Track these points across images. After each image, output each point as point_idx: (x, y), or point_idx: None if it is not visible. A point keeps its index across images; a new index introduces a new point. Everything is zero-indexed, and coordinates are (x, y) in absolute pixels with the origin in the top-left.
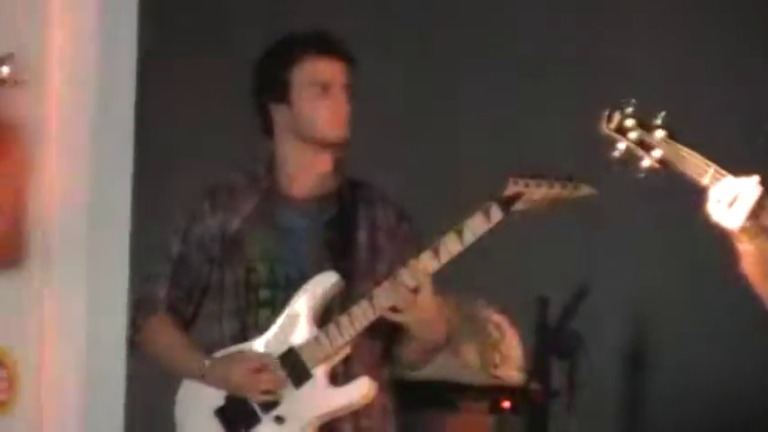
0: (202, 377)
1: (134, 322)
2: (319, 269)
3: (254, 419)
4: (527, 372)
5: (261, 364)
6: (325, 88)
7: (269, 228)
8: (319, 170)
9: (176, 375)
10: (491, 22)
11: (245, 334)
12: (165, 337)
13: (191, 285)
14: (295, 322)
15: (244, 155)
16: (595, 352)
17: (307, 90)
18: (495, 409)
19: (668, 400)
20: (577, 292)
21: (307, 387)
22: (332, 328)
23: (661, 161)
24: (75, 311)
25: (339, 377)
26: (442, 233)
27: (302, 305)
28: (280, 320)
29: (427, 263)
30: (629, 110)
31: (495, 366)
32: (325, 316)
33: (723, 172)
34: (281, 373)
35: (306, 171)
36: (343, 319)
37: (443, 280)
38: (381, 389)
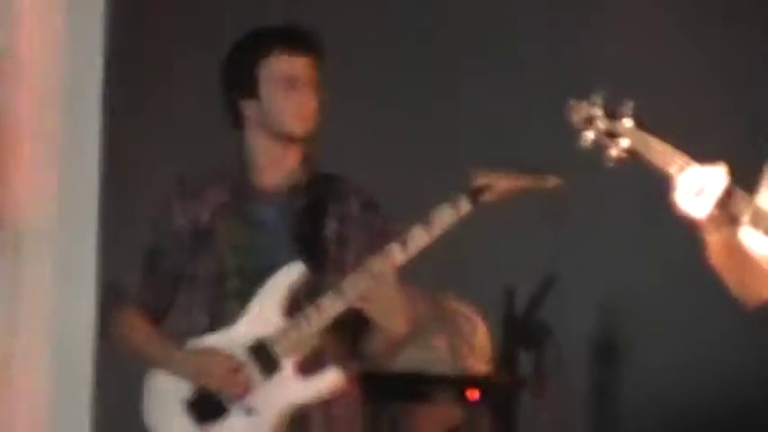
0: (172, 369)
1: (104, 316)
2: (289, 261)
3: (223, 411)
4: (495, 363)
5: (234, 365)
6: (292, 83)
7: (239, 220)
8: (289, 163)
9: (146, 367)
10: (473, 21)
11: (215, 325)
12: (136, 330)
13: (162, 278)
14: (264, 313)
15: (214, 148)
16: (563, 343)
17: (274, 86)
18: (465, 399)
19: (636, 391)
20: (544, 283)
21: (276, 378)
22: (301, 319)
23: (629, 150)
24: (45, 306)
25: (308, 368)
26: (410, 224)
27: (270, 296)
28: (249, 311)
29: (395, 255)
30: (597, 100)
31: (464, 358)
32: (294, 307)
33: (690, 161)
34: (253, 372)
35: (275, 164)
36: (312, 310)
37: (412, 272)
38: (351, 379)
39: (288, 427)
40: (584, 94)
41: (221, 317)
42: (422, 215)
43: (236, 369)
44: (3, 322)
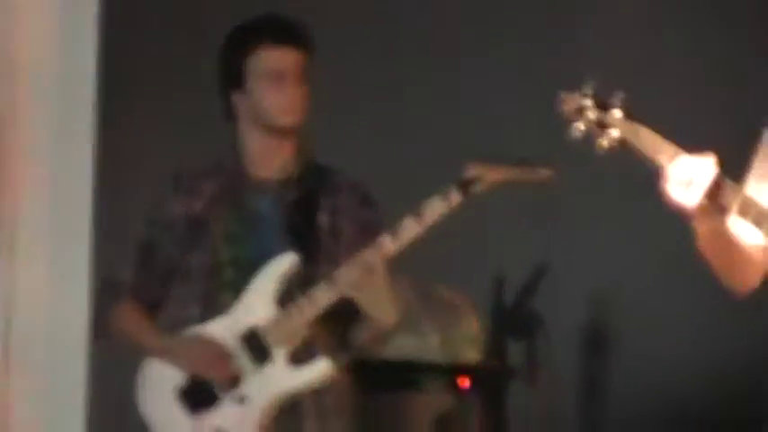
0: (164, 357)
1: (101, 307)
2: (282, 251)
3: (215, 398)
4: (486, 351)
5: (221, 352)
6: (279, 76)
7: (232, 210)
8: (282, 154)
9: (140, 356)
10: (468, 16)
11: (209, 315)
12: (131, 319)
13: (156, 269)
14: (256, 303)
15: (208, 141)
16: (553, 332)
17: (261, 79)
18: (455, 387)
19: (626, 380)
20: (535, 273)
21: (268, 367)
22: (293, 308)
23: (619, 141)
24: (37, 293)
25: (299, 357)
26: (404, 216)
27: (263, 286)
28: (242, 301)
29: (387, 246)
30: (587, 91)
31: (455, 346)
32: (286, 297)
33: (680, 151)
34: (242, 360)
35: (268, 155)
36: (304, 301)
37: (404, 262)
38: (342, 369)
39: (279, 415)
40: (574, 86)
41: (215, 307)
42: (413, 207)
43: (223, 356)
44: (0, 315)
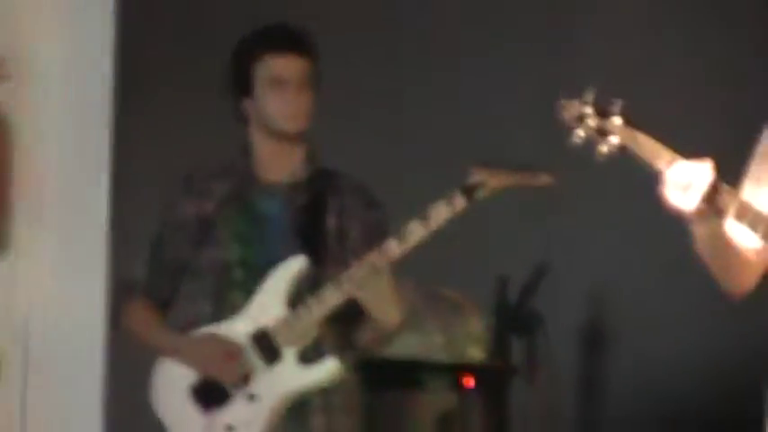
0: (176, 357)
1: (115, 304)
2: (291, 253)
3: (226, 396)
4: (489, 350)
5: (230, 351)
6: (282, 83)
7: (243, 212)
8: (290, 159)
9: (154, 355)
10: (470, 22)
11: (219, 315)
12: (144, 319)
13: (168, 267)
14: (267, 304)
15: (221, 144)
16: (554, 331)
17: (266, 85)
18: (460, 386)
19: (624, 378)
20: (536, 273)
21: (277, 366)
22: (302, 309)
23: (618, 147)
24: (57, 291)
25: (308, 357)
26: (410, 219)
27: (273, 287)
28: (252, 302)
29: (392, 249)
30: (588, 98)
31: (459, 345)
32: (295, 298)
33: (678, 157)
34: (252, 359)
35: (277, 159)
36: (313, 302)
37: (409, 264)
38: (349, 368)
39: (287, 413)
40: (574, 88)
41: (225, 307)
42: (419, 210)
43: (233, 354)
44: (19, 314)
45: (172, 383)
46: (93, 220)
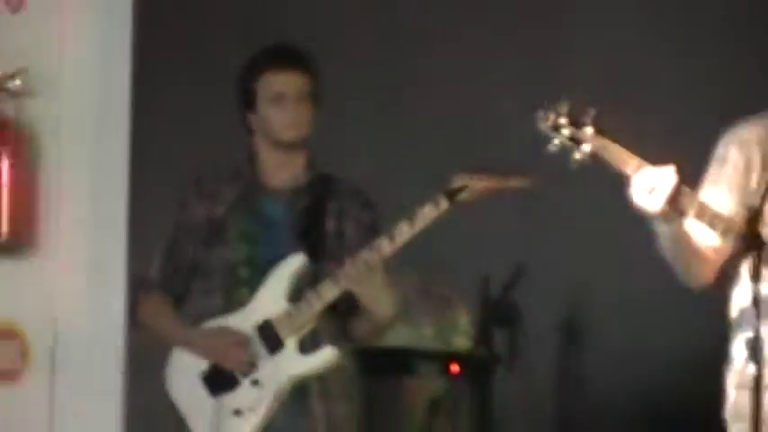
0: (189, 347)
1: (132, 299)
2: (291, 252)
3: (234, 383)
4: (474, 340)
5: (237, 340)
6: (281, 97)
7: (249, 215)
8: (292, 166)
9: (169, 345)
10: (454, 38)
11: (228, 308)
12: (159, 312)
13: (181, 265)
14: (270, 298)
15: (229, 153)
16: (533, 323)
17: (267, 100)
18: (447, 372)
19: (595, 365)
20: (516, 272)
21: (279, 354)
22: (302, 303)
23: (591, 154)
24: (80, 288)
25: (307, 346)
26: (399, 220)
27: (276, 283)
28: (257, 296)
29: (384, 247)
30: (563, 109)
31: (447, 336)
32: (296, 293)
33: (644, 163)
34: (257, 348)
35: (280, 166)
36: (312, 296)
37: (403, 262)
38: (345, 356)
39: (289, 397)
40: (552, 105)
41: (233, 301)
42: (407, 212)
43: (240, 343)
44: (46, 309)
45: (185, 371)
46: (112, 221)
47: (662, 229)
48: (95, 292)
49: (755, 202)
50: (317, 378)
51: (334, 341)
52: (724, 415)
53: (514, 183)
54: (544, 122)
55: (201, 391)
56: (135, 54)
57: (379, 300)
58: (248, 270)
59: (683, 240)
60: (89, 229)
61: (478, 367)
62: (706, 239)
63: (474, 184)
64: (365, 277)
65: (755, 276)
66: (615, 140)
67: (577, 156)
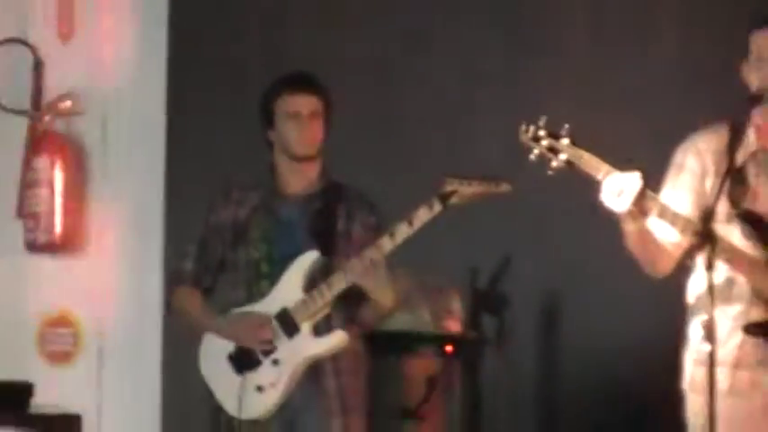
0: (218, 333)
1: (168, 290)
2: (306, 249)
3: (256, 362)
4: (465, 325)
5: (260, 322)
6: (296, 117)
7: (269, 218)
8: (306, 175)
9: (199, 331)
10: (449, 58)
11: (250, 299)
12: (191, 302)
13: (209, 261)
14: (287, 289)
15: (252, 162)
16: (517, 309)
17: (283, 118)
18: (442, 353)
19: (575, 348)
20: (502, 264)
21: (296, 338)
22: (315, 293)
23: (566, 162)
24: (123, 282)
25: (321, 330)
26: (398, 221)
27: (292, 276)
28: (276, 288)
29: (385, 245)
30: (541, 123)
31: (442, 321)
32: (310, 284)
33: (613, 169)
34: (276, 328)
35: (296, 176)
36: (324, 287)
37: (403, 257)
38: (354, 339)
39: (305, 374)
40: (532, 119)
41: (255, 293)
42: (405, 214)
43: (263, 324)
44: (94, 299)
45: (214, 353)
46: (151, 224)
47: (629, 227)
48: (137, 286)
49: (710, 203)
50: (329, 358)
51: (344, 326)
52: (682, 386)
53: (498, 187)
54: (525, 135)
55: (228, 370)
56: (170, 77)
57: (382, 291)
58: (268, 265)
59: (646, 237)
60: (131, 230)
61: (469, 348)
62: (667, 236)
63: (463, 190)
64: (369, 271)
65: (710, 267)
66: (588, 150)
67: (554, 163)
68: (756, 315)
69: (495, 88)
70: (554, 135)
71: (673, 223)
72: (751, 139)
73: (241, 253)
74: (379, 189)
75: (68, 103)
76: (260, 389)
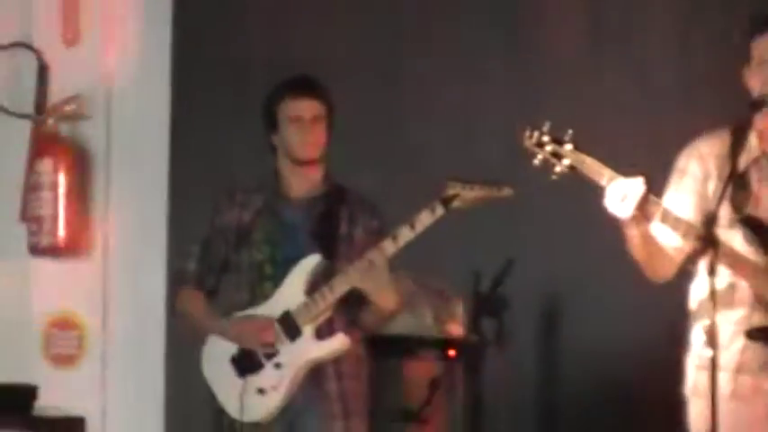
0: (221, 335)
1: (171, 290)
2: (308, 253)
3: (259, 365)
4: (467, 328)
5: (263, 325)
6: (298, 121)
7: (272, 221)
8: (309, 179)
9: (203, 333)
10: (452, 64)
11: (253, 301)
12: (194, 304)
13: (213, 262)
14: (290, 292)
15: (256, 166)
16: (518, 313)
17: (286, 123)
18: (444, 356)
19: (573, 350)
20: (504, 268)
21: (298, 341)
22: (317, 296)
23: (570, 167)
24: (127, 285)
25: (323, 333)
26: (400, 224)
27: (295, 279)
28: (279, 290)
29: (387, 248)
30: (545, 129)
31: (444, 324)
32: (313, 287)
33: (616, 175)
34: (278, 331)
35: (299, 179)
36: (326, 290)
37: (406, 261)
38: (356, 342)
39: (307, 377)
40: (536, 125)
41: (258, 295)
42: (408, 218)
43: (266, 327)
44: (100, 300)
45: (217, 356)
46: (154, 227)
47: (631, 232)
48: (140, 289)
49: (712, 208)
50: (331, 361)
51: (346, 329)
52: (684, 391)
53: (499, 192)
54: (529, 140)
55: (231, 373)
56: (174, 81)
57: (383, 294)
58: (271, 268)
59: (649, 241)
60: (135, 233)
61: (471, 351)
62: (669, 240)
63: (465, 194)
64: (368, 273)
65: (712, 272)
66: (591, 155)
67: (558, 169)
68: (758, 320)
69: (496, 88)
70: (558, 140)
71: (675, 228)
72: (753, 144)
73: (244, 255)
74: (380, 192)
75: (72, 107)
76: (262, 392)
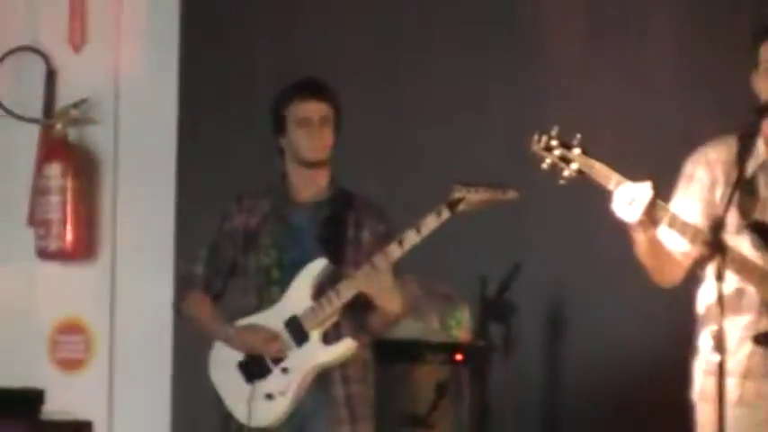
0: (226, 342)
1: (178, 294)
2: (315, 257)
3: (266, 370)
4: (474, 333)
5: (271, 336)
6: (306, 123)
7: (279, 225)
8: (317, 183)
9: (209, 338)
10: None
11: (261, 306)
12: (201, 309)
13: (220, 265)
14: (297, 296)
15: (263, 170)
16: (525, 318)
17: (294, 125)
18: (451, 360)
19: (579, 355)
20: (510, 272)
21: (305, 345)
22: (324, 300)
23: (578, 171)
24: (135, 288)
25: (330, 337)
26: (406, 228)
27: (302, 283)
28: (285, 295)
29: (394, 252)
30: (553, 133)
31: (451, 329)
32: (319, 292)
33: (624, 179)
34: (286, 341)
35: (306, 183)
36: (332, 294)
37: (413, 266)
38: (363, 346)
39: (314, 382)
40: (545, 129)
41: (265, 299)
42: (414, 221)
43: (272, 338)
44: (107, 304)
45: (224, 361)
46: (161, 231)
47: (639, 237)
48: (148, 293)
49: (719, 213)
50: (338, 366)
51: (352, 334)
52: (691, 396)
53: (505, 195)
54: (537, 144)
55: (238, 378)
56: (182, 85)
57: (388, 298)
58: (279, 271)
59: (656, 246)
60: (142, 238)
61: (478, 356)
62: (676, 245)
63: (471, 197)
64: (372, 277)
65: (719, 276)
66: (599, 160)
67: (566, 173)
68: (766, 325)
69: (512, 103)
70: (566, 145)
71: (682, 233)
72: (761, 149)
73: (252, 259)
74: (383, 194)
75: (80, 111)
76: (269, 397)
